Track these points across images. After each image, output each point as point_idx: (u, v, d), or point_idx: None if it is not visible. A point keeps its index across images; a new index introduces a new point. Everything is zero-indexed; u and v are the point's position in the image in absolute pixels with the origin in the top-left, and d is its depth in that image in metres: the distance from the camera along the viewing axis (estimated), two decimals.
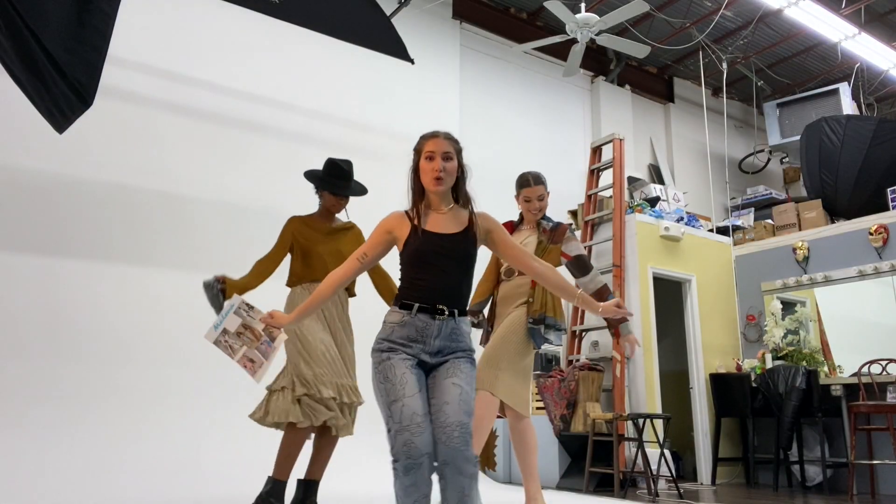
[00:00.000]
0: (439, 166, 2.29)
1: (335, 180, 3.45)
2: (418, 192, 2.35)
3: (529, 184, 3.56)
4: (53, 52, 2.60)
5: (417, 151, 2.36)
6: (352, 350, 3.42)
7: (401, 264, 2.35)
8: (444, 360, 2.27)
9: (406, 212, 2.37)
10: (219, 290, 3.18)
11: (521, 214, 3.68)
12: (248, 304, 2.60)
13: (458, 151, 2.36)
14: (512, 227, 3.65)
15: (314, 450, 3.36)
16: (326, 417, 3.16)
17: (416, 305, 2.25)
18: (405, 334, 2.25)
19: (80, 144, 4.63)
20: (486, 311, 3.70)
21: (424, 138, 2.36)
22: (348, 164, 3.51)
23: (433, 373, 2.28)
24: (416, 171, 2.36)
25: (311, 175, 3.52)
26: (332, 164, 3.48)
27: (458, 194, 2.37)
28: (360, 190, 3.54)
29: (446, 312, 2.25)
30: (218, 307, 3.19)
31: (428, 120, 6.24)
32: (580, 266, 3.48)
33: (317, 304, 2.46)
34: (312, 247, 3.35)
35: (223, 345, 2.60)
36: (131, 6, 4.02)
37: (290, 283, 3.41)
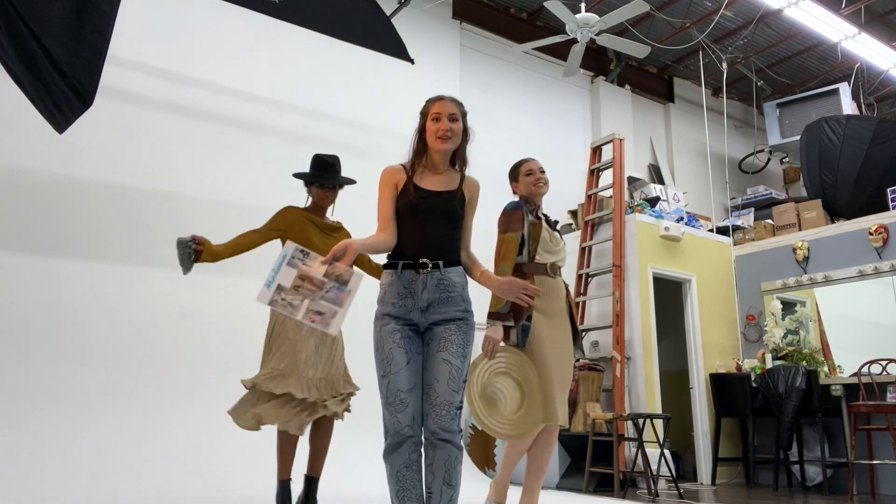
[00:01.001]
0: (446, 126, 2.39)
1: (322, 173, 3.47)
2: (420, 151, 2.46)
3: (527, 160, 3.46)
4: (53, 52, 2.60)
5: (424, 114, 2.46)
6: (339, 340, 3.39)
7: None
8: (437, 319, 2.33)
9: (402, 165, 2.47)
10: (192, 249, 3.08)
11: (518, 202, 3.35)
12: (302, 251, 2.27)
13: (464, 115, 2.47)
14: (522, 215, 3.28)
15: (310, 446, 3.37)
16: (307, 419, 3.17)
17: (401, 263, 2.35)
18: (395, 292, 2.35)
19: (80, 144, 4.63)
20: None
21: (431, 101, 2.47)
22: (333, 157, 3.54)
23: (427, 337, 2.35)
24: (421, 132, 2.46)
25: (299, 174, 3.54)
26: (317, 158, 3.51)
27: (458, 156, 2.48)
28: (347, 181, 3.55)
29: (429, 265, 2.33)
30: (187, 266, 3.06)
31: None
32: None
33: (375, 250, 2.42)
34: (311, 238, 3.34)
35: (280, 304, 2.26)
36: (131, 6, 4.02)
37: None
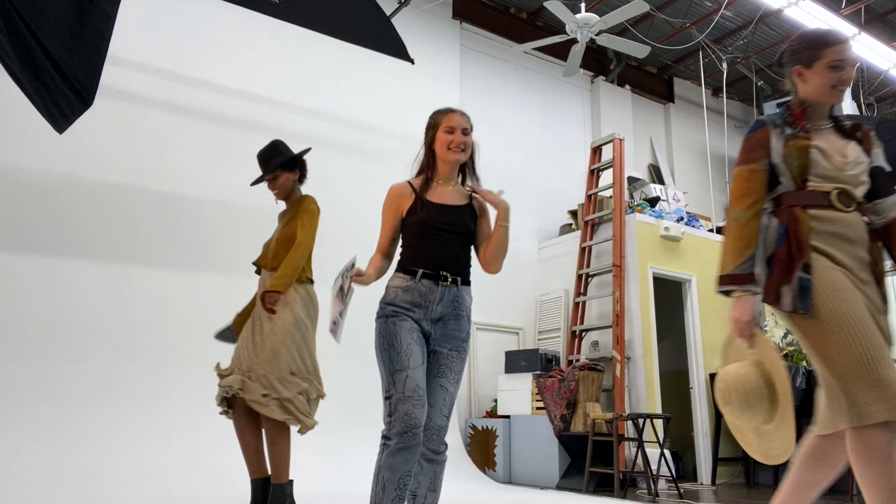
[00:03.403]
0: (460, 138, 2.40)
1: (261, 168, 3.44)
2: (429, 165, 2.43)
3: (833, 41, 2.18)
4: (53, 52, 2.60)
5: (434, 126, 2.45)
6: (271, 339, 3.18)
7: (403, 232, 2.41)
8: (443, 339, 2.30)
9: (409, 182, 2.44)
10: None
11: (762, 119, 2.31)
12: (351, 265, 2.31)
13: (472, 128, 2.47)
14: (802, 115, 2.24)
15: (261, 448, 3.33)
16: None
17: (420, 271, 2.30)
18: (408, 299, 2.28)
19: (80, 144, 4.63)
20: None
21: (441, 113, 2.46)
22: (266, 146, 3.47)
23: (430, 354, 2.32)
24: (430, 144, 2.44)
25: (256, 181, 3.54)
26: None
27: (468, 169, 2.47)
28: (284, 160, 3.41)
29: (450, 279, 2.30)
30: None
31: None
32: (886, 182, 2.15)
33: (380, 277, 2.43)
34: (272, 236, 3.35)
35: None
36: (131, 6, 4.02)
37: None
